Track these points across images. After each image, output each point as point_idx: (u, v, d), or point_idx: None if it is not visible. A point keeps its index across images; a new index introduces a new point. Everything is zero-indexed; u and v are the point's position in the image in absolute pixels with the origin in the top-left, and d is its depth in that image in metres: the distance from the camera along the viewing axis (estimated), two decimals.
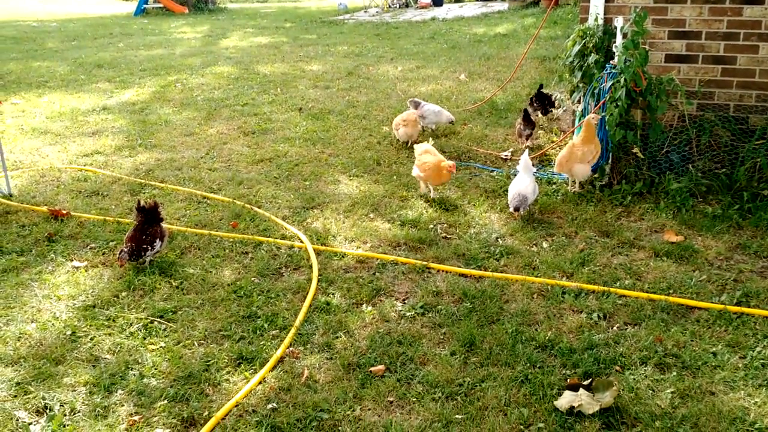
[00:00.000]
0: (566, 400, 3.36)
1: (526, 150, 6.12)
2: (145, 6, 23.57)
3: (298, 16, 21.90)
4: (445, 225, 5.54)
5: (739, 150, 6.00)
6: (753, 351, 3.80)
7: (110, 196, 6.26)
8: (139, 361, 3.84)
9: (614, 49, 6.03)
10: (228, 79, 11.32)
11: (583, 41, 6.43)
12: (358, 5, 24.74)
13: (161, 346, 3.98)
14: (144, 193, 6.30)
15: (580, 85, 6.59)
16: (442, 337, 4.04)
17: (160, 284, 4.65)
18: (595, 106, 6.11)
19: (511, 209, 5.55)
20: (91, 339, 4.05)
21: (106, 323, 4.21)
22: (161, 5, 23.67)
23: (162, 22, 20.92)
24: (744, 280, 4.57)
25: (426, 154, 6.11)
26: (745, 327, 4.04)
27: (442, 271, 4.81)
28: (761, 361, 3.72)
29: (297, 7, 26.66)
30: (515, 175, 5.94)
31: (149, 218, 4.90)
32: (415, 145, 6.49)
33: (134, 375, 3.72)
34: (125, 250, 4.74)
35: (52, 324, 4.20)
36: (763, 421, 3.28)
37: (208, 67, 12.45)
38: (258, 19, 21.65)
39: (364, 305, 4.40)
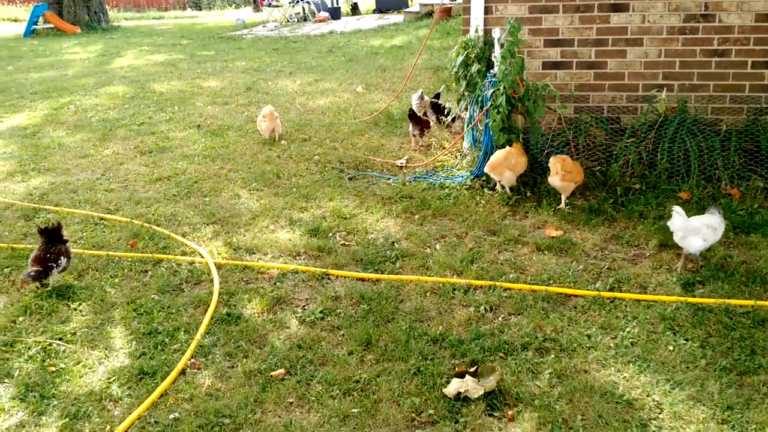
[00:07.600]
0: (454, 387, 3.61)
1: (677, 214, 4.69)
2: (35, 27, 22.80)
3: (196, 33, 21.71)
4: (344, 233, 5.73)
5: (612, 148, 6.47)
6: (623, 331, 4.16)
7: (3, 222, 6.14)
8: (39, 383, 3.85)
9: (494, 59, 6.40)
10: (123, 99, 11.18)
11: (466, 52, 6.78)
12: (256, 20, 24.78)
13: (61, 367, 3.99)
14: (38, 217, 6.21)
15: (466, 93, 6.94)
16: (340, 338, 4.23)
17: (57, 307, 4.64)
18: (480, 112, 6.46)
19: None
20: None
21: (4, 348, 4.18)
22: (52, 25, 22.97)
23: (53, 42, 20.32)
24: (617, 268, 4.96)
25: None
26: (617, 310, 4.41)
27: (341, 276, 5.00)
28: (630, 339, 4.08)
29: (194, 23, 26.39)
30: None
31: (53, 238, 4.92)
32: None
33: (34, 396, 3.72)
34: (31, 273, 4.74)
35: None
36: (630, 393, 3.62)
37: (102, 87, 12.25)
38: (154, 36, 21.33)
39: (265, 314, 4.53)
